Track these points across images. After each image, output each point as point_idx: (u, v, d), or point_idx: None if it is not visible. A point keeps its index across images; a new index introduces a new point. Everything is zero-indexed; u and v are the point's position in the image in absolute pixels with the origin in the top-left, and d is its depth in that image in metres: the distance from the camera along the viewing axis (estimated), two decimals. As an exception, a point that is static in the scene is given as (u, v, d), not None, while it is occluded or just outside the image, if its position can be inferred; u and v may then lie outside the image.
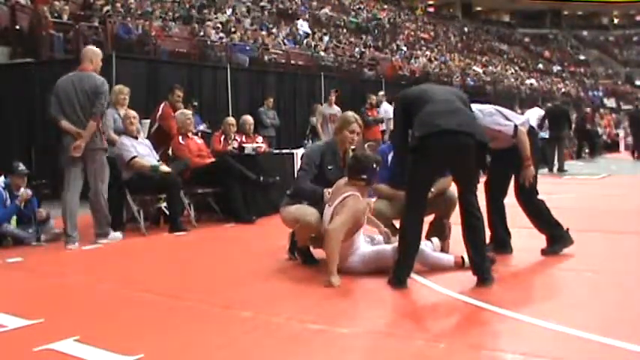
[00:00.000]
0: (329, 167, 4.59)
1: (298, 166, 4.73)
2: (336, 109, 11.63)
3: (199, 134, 8.21)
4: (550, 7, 51.05)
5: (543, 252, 4.65)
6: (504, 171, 4.68)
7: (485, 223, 3.97)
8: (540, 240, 4.71)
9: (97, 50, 6.10)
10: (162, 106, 7.59)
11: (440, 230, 4.74)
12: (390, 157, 4.87)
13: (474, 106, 4.39)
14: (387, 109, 12.25)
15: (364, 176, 4.17)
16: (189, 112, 7.52)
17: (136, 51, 12.31)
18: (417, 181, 3.89)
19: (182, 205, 6.70)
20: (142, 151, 6.49)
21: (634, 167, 14.68)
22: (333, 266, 3.99)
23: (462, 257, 4.18)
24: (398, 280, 3.83)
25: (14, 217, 5.89)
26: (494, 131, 4.38)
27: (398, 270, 3.87)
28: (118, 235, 5.96)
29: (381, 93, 12.79)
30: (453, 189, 4.41)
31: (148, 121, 7.87)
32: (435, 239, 4.56)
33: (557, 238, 4.67)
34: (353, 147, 4.73)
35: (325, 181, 4.51)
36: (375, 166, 4.24)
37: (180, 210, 6.67)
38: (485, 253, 3.90)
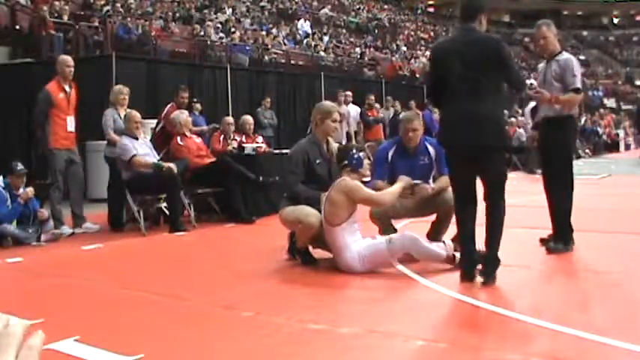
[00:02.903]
0: (317, 162, 4.64)
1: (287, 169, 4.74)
2: (344, 109, 11.47)
3: (206, 135, 8.23)
4: (550, 7, 51.00)
5: (543, 243, 4.65)
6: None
7: (503, 220, 3.94)
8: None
9: (61, 58, 6.54)
10: (168, 106, 7.63)
11: (438, 231, 4.74)
12: (390, 154, 4.85)
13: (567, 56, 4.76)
14: (349, 110, 12.12)
15: (347, 162, 4.37)
16: (185, 112, 7.53)
17: (136, 51, 12.32)
18: (454, 177, 4.03)
19: (182, 205, 6.70)
20: (142, 151, 6.49)
21: (634, 167, 14.67)
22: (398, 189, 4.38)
23: (454, 255, 4.21)
24: (466, 274, 3.87)
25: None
26: (571, 74, 4.63)
27: (463, 264, 3.94)
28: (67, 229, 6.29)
29: (349, 93, 12.59)
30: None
31: (154, 121, 7.89)
32: (448, 241, 4.51)
33: (564, 237, 4.70)
34: (344, 145, 4.78)
35: (315, 177, 4.58)
36: (354, 151, 4.43)
37: (180, 210, 6.67)
38: (496, 250, 3.85)
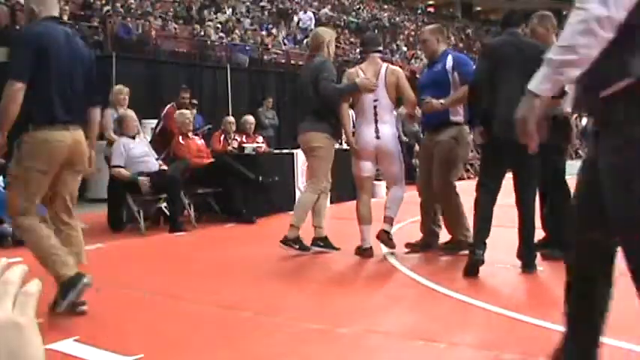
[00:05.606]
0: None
1: (325, 79, 4.92)
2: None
3: (200, 135, 8.22)
4: (550, 7, 50.99)
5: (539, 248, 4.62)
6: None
7: (532, 218, 4.13)
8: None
9: None
10: (168, 106, 7.64)
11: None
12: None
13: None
14: None
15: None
16: (187, 112, 7.54)
17: (136, 51, 12.31)
18: (488, 169, 4.15)
19: (182, 205, 6.70)
20: (138, 151, 6.48)
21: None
22: None
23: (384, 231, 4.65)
24: (472, 269, 3.95)
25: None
26: None
27: (472, 258, 3.98)
28: None
29: None
30: None
31: (154, 121, 7.90)
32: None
33: (560, 242, 4.67)
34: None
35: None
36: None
37: (180, 210, 6.67)
38: (530, 245, 4.11)
